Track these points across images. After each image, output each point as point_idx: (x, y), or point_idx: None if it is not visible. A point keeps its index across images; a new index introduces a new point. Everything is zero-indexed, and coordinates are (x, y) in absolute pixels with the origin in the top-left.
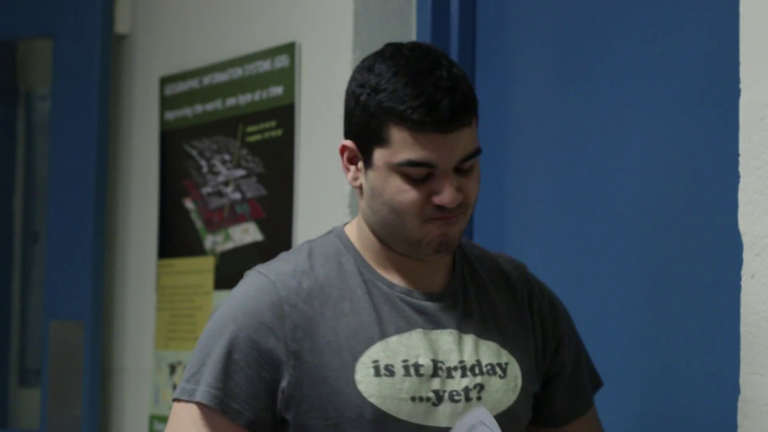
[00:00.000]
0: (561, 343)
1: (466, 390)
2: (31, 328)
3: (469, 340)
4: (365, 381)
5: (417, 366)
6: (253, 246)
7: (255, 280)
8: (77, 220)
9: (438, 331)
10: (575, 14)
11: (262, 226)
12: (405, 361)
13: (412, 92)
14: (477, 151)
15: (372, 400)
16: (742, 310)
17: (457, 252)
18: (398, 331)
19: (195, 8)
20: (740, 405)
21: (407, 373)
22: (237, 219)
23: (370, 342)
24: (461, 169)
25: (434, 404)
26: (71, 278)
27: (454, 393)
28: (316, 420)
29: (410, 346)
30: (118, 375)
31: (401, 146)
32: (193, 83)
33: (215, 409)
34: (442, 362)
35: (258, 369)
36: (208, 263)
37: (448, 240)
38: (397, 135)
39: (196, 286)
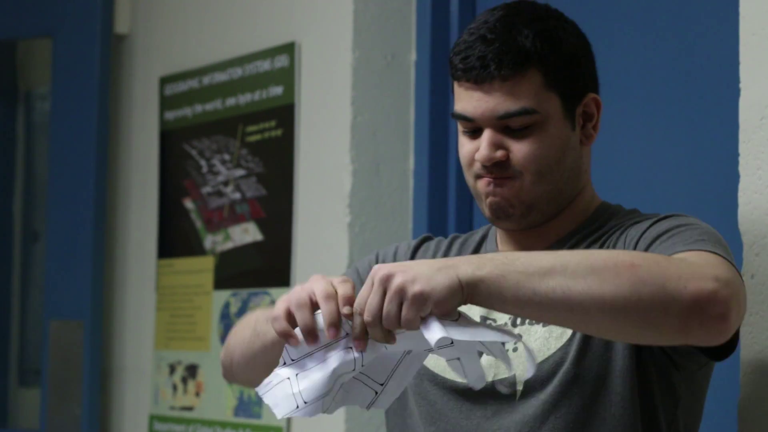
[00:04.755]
0: (638, 244)
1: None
2: (31, 328)
3: None
4: None
5: None
6: (253, 246)
7: None
8: (77, 220)
9: None
10: (575, 15)
11: (262, 226)
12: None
13: (458, 42)
14: (523, 111)
15: None
16: None
17: (589, 223)
18: None
19: (195, 8)
20: (740, 405)
21: None
22: (237, 219)
23: None
24: (511, 128)
25: None
26: (71, 278)
27: None
28: None
29: (470, 305)
30: (118, 375)
31: (455, 97)
32: (192, 83)
33: None
34: (493, 320)
35: None
36: (207, 263)
37: (500, 206)
38: (454, 84)
39: (195, 286)
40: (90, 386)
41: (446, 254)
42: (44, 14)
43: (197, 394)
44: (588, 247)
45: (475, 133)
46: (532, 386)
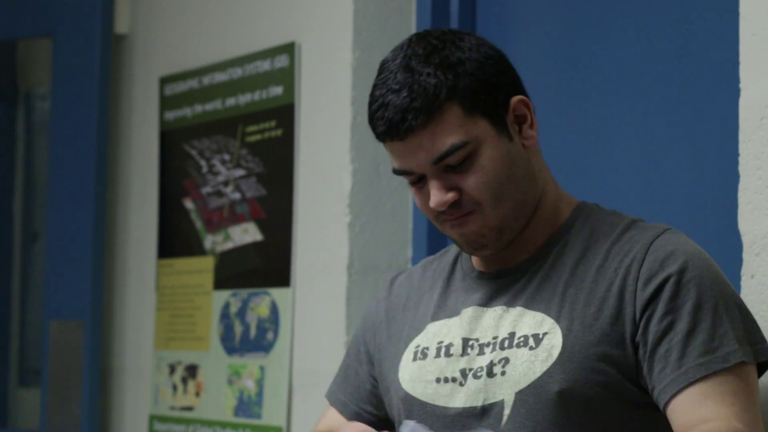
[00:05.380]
0: (652, 316)
1: (490, 365)
2: (31, 328)
3: (513, 313)
4: (405, 366)
5: (448, 347)
6: (253, 246)
7: None
8: (77, 220)
9: (488, 309)
10: (575, 14)
11: (262, 226)
12: (440, 342)
13: (371, 102)
14: (453, 148)
15: (404, 384)
16: None
17: (567, 226)
18: (451, 313)
19: (195, 8)
20: None
21: (437, 355)
22: (237, 219)
23: (421, 328)
24: (451, 166)
25: (461, 384)
26: (71, 278)
27: (478, 369)
28: (388, 408)
29: (451, 326)
30: (118, 375)
31: (389, 154)
32: (192, 83)
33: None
34: (476, 339)
35: None
36: (207, 263)
37: (472, 239)
38: (384, 144)
39: (195, 286)
40: (90, 386)
41: (420, 283)
42: (44, 14)
43: (197, 394)
44: (580, 259)
45: (421, 180)
46: (519, 411)
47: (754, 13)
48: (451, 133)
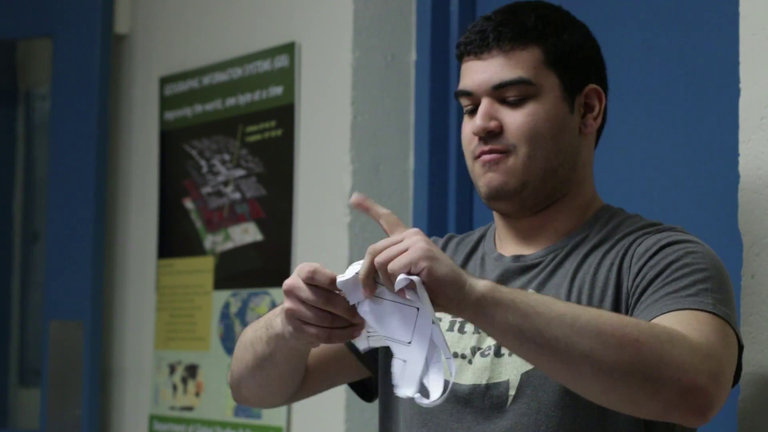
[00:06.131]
0: (642, 277)
1: (498, 345)
2: (31, 328)
3: None
4: None
5: (463, 323)
6: (253, 246)
7: None
8: (77, 220)
9: None
10: (574, 15)
11: (262, 226)
12: (454, 317)
13: (468, 26)
14: (519, 80)
15: None
16: (742, 310)
17: (590, 220)
18: None
19: (195, 8)
20: (740, 405)
21: (450, 328)
22: (237, 219)
23: None
24: (505, 101)
25: (470, 362)
26: (71, 278)
27: (486, 348)
28: None
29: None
30: (118, 375)
31: (461, 76)
32: (192, 83)
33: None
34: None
35: None
36: (207, 263)
37: (495, 184)
38: (460, 69)
39: (195, 286)
40: (90, 386)
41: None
42: (44, 14)
43: (197, 394)
44: (593, 249)
45: (474, 111)
46: (525, 392)
47: (754, 13)
48: (523, 67)
